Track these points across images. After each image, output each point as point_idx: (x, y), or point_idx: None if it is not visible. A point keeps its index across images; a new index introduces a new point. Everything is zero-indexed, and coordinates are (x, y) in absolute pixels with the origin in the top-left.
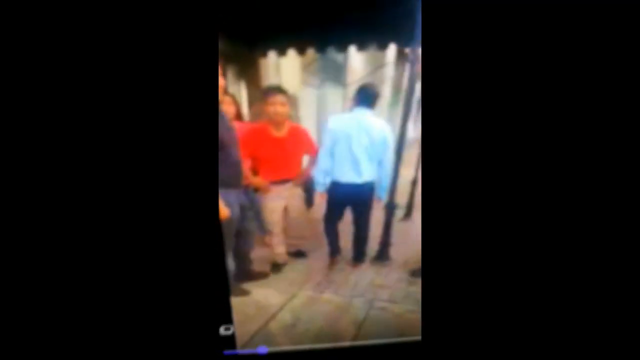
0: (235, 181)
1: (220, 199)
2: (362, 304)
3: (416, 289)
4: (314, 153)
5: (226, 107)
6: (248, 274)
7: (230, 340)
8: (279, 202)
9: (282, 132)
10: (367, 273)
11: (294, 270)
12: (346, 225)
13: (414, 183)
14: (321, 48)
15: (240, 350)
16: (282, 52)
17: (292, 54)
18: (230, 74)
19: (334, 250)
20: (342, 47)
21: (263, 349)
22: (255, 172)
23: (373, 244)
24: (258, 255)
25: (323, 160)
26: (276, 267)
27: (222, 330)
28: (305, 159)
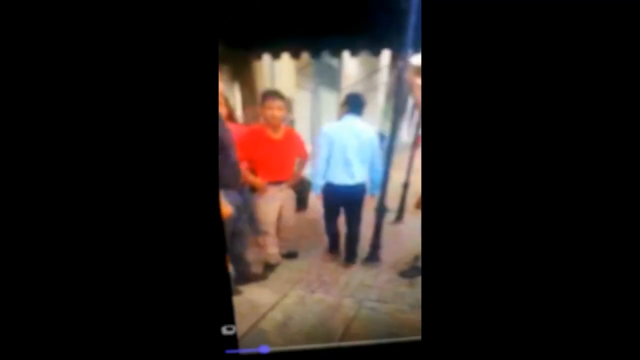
0: (234, 182)
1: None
2: (352, 303)
3: (405, 289)
4: (305, 156)
5: (220, 109)
6: (242, 276)
7: (232, 340)
8: (275, 203)
9: (278, 135)
10: (357, 274)
11: (286, 270)
12: (340, 225)
13: (405, 187)
14: (315, 52)
15: (241, 350)
16: (276, 55)
17: (286, 57)
18: (224, 76)
19: (333, 245)
20: (336, 52)
21: (264, 348)
22: (252, 173)
23: (364, 246)
24: (252, 256)
25: (319, 167)
26: (269, 267)
27: (224, 330)
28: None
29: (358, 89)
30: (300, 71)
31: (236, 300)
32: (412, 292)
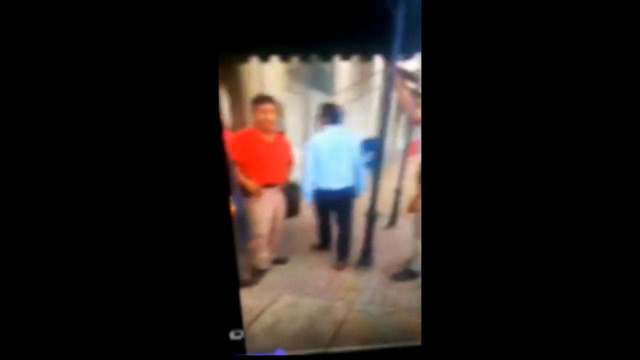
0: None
1: None
2: (342, 306)
3: (395, 292)
4: (291, 162)
5: None
6: None
7: (240, 345)
8: (268, 206)
9: (271, 138)
10: (348, 277)
11: (277, 274)
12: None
13: (397, 192)
14: (305, 56)
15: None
16: (264, 58)
17: (275, 60)
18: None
19: (324, 244)
20: (326, 57)
21: (280, 351)
22: (247, 176)
23: (355, 250)
24: (241, 262)
25: (308, 175)
26: (259, 273)
27: (232, 335)
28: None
29: (351, 93)
30: (290, 75)
31: None
32: (404, 296)
